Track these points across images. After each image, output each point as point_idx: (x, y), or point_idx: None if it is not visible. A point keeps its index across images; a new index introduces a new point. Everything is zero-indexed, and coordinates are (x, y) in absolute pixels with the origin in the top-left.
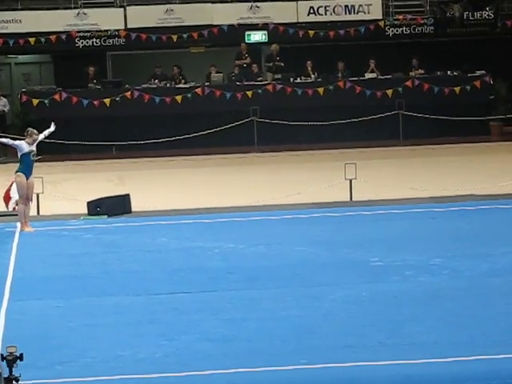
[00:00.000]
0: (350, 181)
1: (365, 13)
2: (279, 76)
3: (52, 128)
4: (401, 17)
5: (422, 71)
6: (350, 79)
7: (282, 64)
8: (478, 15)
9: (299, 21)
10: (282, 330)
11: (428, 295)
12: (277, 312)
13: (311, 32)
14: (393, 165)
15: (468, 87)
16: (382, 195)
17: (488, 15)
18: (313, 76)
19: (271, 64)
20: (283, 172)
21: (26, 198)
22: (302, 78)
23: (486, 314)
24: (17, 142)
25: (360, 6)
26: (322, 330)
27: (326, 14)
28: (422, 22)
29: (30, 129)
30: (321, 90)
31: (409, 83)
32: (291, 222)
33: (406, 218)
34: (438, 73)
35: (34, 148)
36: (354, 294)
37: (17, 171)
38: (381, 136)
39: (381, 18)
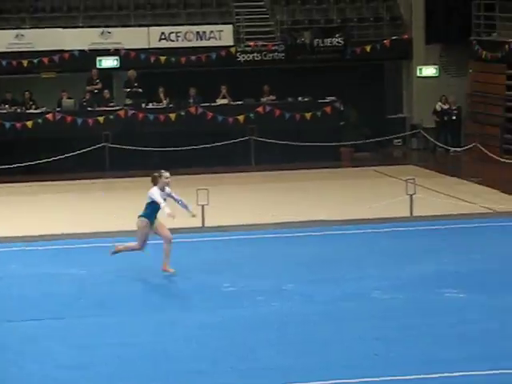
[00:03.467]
0: (203, 206)
1: (216, 39)
2: (130, 101)
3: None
4: (252, 43)
5: (274, 97)
6: (202, 105)
7: (141, 90)
8: (328, 42)
9: (151, 46)
10: (137, 356)
11: (280, 320)
12: (129, 338)
13: (162, 58)
14: (245, 190)
15: (319, 113)
16: (233, 221)
17: (338, 42)
18: (165, 101)
19: (129, 90)
20: (134, 198)
21: (142, 241)
22: (155, 103)
23: (339, 339)
24: (157, 198)
25: (211, 32)
26: (176, 355)
27: (177, 40)
28: (273, 48)
29: (159, 172)
30: (173, 115)
31: (260, 109)
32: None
33: (256, 243)
34: (289, 99)
35: (166, 194)
36: (206, 319)
37: (140, 216)
38: (233, 162)
39: (232, 44)
